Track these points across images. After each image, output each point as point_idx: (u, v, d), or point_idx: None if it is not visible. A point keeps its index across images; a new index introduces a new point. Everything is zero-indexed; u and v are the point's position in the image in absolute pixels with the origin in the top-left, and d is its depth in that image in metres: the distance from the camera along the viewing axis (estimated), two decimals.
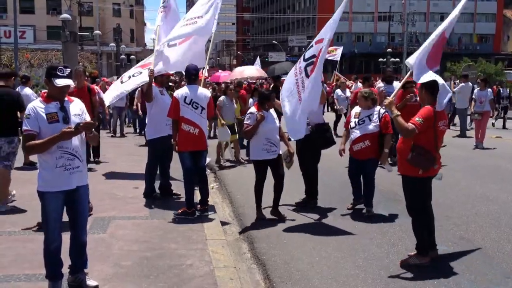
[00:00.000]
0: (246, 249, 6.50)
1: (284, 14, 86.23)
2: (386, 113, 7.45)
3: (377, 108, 7.58)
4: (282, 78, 12.79)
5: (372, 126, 7.43)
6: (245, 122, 7.37)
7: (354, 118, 7.63)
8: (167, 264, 5.57)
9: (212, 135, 15.88)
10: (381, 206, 8.02)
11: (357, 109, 7.76)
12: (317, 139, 7.91)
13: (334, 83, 27.57)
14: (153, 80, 8.37)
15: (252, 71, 21.36)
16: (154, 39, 9.01)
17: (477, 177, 10.50)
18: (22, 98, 8.07)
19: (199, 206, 7.60)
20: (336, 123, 17.15)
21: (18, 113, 7.76)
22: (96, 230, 6.66)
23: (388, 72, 12.39)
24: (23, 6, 55.76)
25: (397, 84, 10.69)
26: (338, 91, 18.23)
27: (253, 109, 7.40)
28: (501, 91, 24.51)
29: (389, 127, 7.42)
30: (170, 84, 13.52)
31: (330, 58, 29.61)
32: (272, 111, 7.46)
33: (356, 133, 7.51)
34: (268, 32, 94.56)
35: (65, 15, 23.66)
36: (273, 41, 75.11)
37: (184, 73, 8.04)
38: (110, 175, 10.35)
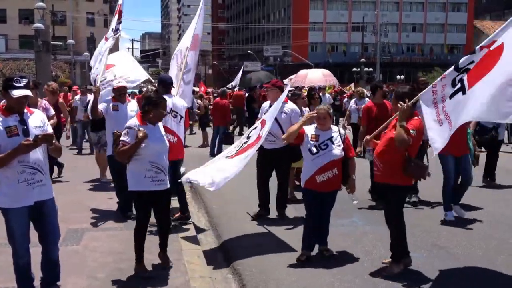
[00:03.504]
0: (221, 259, 6.49)
1: (259, 24, 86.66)
2: (347, 134, 6.48)
3: (335, 128, 6.31)
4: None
5: (338, 150, 6.09)
6: (121, 138, 5.47)
7: (312, 141, 6.15)
8: (142, 276, 5.52)
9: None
10: (355, 215, 8.09)
11: (310, 129, 6.26)
12: (291, 151, 7.55)
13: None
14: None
15: (317, 75, 17.99)
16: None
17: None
18: None
19: (178, 214, 7.59)
20: (354, 140, 11.40)
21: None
22: (69, 241, 6.58)
23: (422, 80, 9.08)
24: None
25: None
26: (351, 102, 15.37)
27: (133, 121, 5.62)
28: None
29: (352, 150, 6.40)
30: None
31: (295, 85, 27.91)
32: (160, 124, 5.77)
33: (321, 160, 6.04)
34: (243, 42, 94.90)
35: (37, 24, 23.45)
36: (248, 51, 75.38)
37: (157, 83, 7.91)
38: (83, 186, 10.24)
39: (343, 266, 5.96)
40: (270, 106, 7.68)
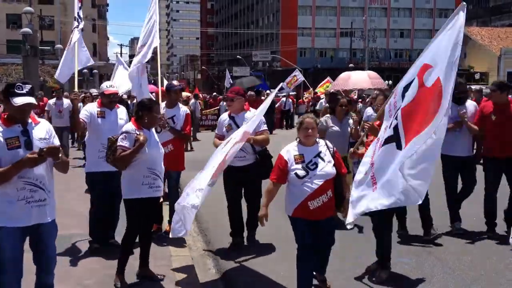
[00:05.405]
0: (211, 264, 6.47)
1: (248, 29, 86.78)
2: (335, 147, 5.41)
3: (321, 141, 5.28)
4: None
5: (330, 167, 5.09)
6: (119, 143, 5.30)
7: (297, 163, 5.07)
8: (130, 282, 5.48)
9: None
10: (345, 220, 8.08)
11: (292, 149, 5.18)
12: (261, 167, 6.63)
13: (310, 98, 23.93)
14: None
15: (362, 77, 14.80)
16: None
17: (438, 191, 10.70)
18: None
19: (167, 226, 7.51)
20: None
21: None
22: (57, 248, 6.50)
23: (462, 86, 7.58)
24: None
25: (469, 104, 7.74)
26: (369, 109, 12.01)
27: (129, 126, 5.42)
28: None
29: (343, 165, 5.40)
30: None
31: (296, 85, 28.27)
32: (153, 129, 5.65)
33: (312, 183, 5.02)
34: (232, 47, 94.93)
35: (25, 29, 23.37)
36: (237, 56, 75.50)
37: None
38: (71, 192, 10.15)
39: (333, 271, 5.95)
40: (232, 118, 6.85)
